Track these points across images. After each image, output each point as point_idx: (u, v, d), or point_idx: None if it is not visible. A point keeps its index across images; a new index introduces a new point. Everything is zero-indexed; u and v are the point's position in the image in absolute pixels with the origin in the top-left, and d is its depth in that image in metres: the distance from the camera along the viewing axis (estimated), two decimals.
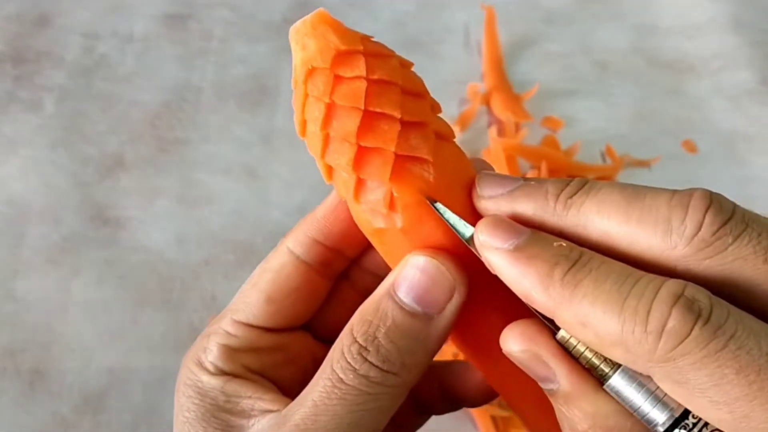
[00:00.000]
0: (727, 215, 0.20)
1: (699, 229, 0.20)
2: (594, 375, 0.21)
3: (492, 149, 0.57)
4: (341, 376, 0.23)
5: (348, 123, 0.23)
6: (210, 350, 0.27)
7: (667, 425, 0.20)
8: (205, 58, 0.67)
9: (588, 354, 0.21)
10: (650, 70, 0.67)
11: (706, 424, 0.20)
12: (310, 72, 0.24)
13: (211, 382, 0.26)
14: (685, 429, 0.20)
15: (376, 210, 0.24)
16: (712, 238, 0.20)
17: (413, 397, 0.31)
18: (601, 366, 0.21)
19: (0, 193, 0.58)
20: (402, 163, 0.23)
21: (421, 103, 0.24)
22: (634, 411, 0.21)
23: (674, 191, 0.21)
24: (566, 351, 0.22)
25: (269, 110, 0.63)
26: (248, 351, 0.27)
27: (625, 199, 0.21)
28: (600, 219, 0.21)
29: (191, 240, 0.55)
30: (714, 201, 0.20)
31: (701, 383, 0.18)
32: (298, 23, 0.24)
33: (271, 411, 0.25)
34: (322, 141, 0.24)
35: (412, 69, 0.25)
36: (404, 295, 0.23)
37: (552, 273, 0.20)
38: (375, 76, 0.23)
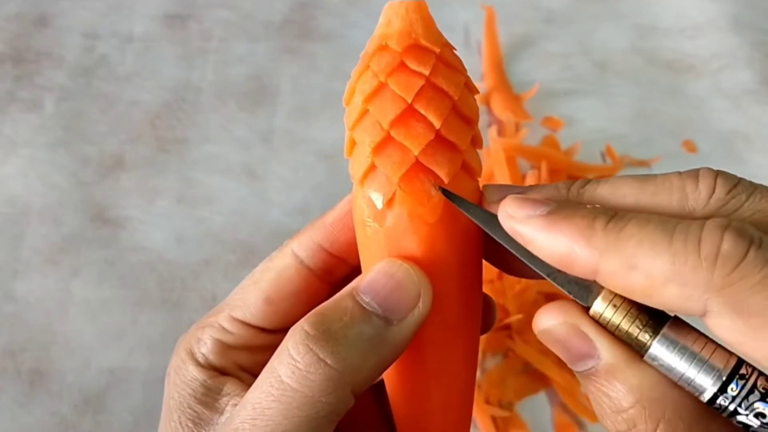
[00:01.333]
0: (735, 179, 0.21)
1: (713, 190, 0.20)
2: (632, 347, 0.21)
3: (492, 149, 0.57)
4: (280, 373, 0.22)
5: (389, 108, 0.23)
6: (204, 342, 0.27)
7: (716, 387, 0.19)
8: (205, 58, 0.67)
9: (624, 325, 0.21)
10: (650, 70, 0.67)
11: (755, 384, 0.19)
12: (381, 48, 0.24)
13: (196, 374, 0.26)
14: (734, 388, 0.19)
15: (374, 202, 0.24)
16: (727, 196, 0.20)
17: (385, 415, 0.30)
18: (639, 337, 0.20)
19: (0, 193, 0.58)
20: (417, 170, 0.23)
21: (464, 129, 0.24)
22: (679, 379, 0.20)
23: (680, 172, 0.22)
24: (601, 326, 0.21)
25: (269, 110, 0.63)
26: (242, 349, 0.27)
27: (636, 180, 0.22)
28: (614, 198, 0.22)
29: (191, 240, 0.55)
30: (719, 172, 0.21)
31: (763, 308, 0.18)
32: (397, 1, 0.24)
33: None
34: (359, 114, 0.24)
35: (475, 97, 0.25)
36: (366, 295, 0.23)
37: (593, 224, 0.20)
38: (436, 81, 0.23)
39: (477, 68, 0.66)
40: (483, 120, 0.63)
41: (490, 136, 0.60)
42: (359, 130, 0.24)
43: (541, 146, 0.61)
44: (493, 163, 0.56)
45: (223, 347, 0.27)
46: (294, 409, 0.22)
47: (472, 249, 0.24)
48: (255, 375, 0.27)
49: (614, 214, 0.20)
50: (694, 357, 0.19)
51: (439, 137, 0.23)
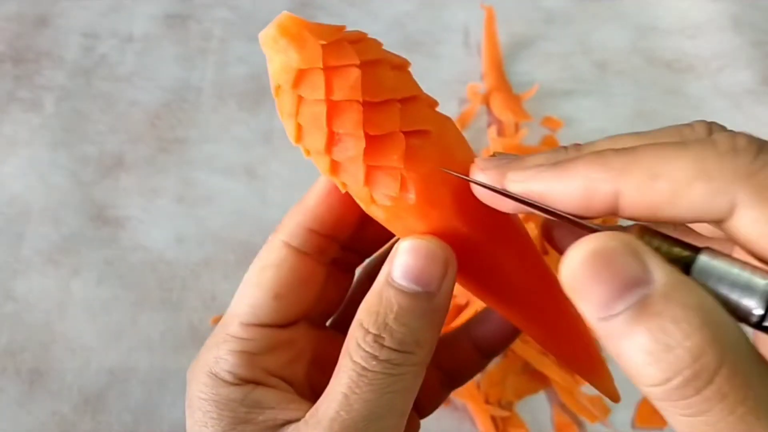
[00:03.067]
0: (724, 128, 0.21)
1: (710, 131, 0.21)
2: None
3: (492, 149, 0.57)
4: (364, 365, 0.24)
5: (317, 140, 0.24)
6: (225, 360, 0.26)
7: (763, 302, 0.18)
8: (205, 58, 0.67)
9: (665, 246, 0.20)
10: (650, 70, 0.67)
11: None
12: (278, 90, 0.24)
13: (230, 394, 0.26)
14: None
15: (387, 194, 0.24)
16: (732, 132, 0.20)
17: (440, 371, 0.32)
18: (680, 259, 0.20)
19: (0, 193, 0.58)
20: (373, 172, 0.24)
21: (388, 111, 0.24)
22: (727, 300, 0.19)
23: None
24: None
25: (269, 110, 0.63)
26: (265, 352, 0.27)
27: (634, 134, 0.22)
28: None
29: (191, 240, 0.55)
30: (710, 122, 0.21)
31: None
32: (265, 31, 0.24)
33: (293, 420, 0.25)
34: (305, 152, 0.25)
35: (380, 59, 0.24)
36: (402, 280, 0.24)
37: (604, 153, 0.20)
38: (335, 96, 0.23)
39: (477, 68, 0.66)
40: (482, 120, 0.63)
41: (489, 136, 0.60)
42: (314, 155, 0.25)
43: (541, 146, 0.61)
44: None
45: (247, 357, 0.26)
46: (386, 387, 0.24)
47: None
48: (285, 378, 0.27)
49: (621, 148, 0.20)
50: (735, 277, 0.19)
51: (370, 138, 0.23)
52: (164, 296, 0.53)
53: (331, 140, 0.23)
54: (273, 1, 0.72)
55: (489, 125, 0.62)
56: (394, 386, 0.24)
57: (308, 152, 0.25)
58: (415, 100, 0.25)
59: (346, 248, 0.29)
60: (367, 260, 0.32)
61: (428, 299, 0.24)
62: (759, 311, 0.18)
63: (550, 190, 0.21)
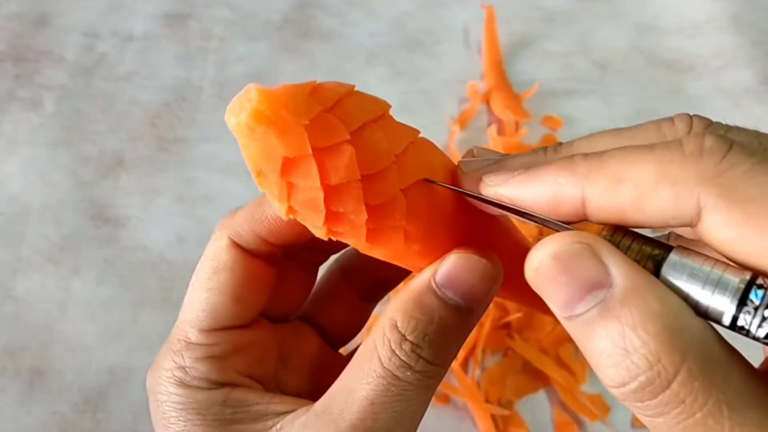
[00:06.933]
0: (709, 119, 0.20)
1: (690, 127, 0.20)
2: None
3: (492, 148, 0.57)
4: (397, 374, 0.23)
5: (314, 219, 0.22)
6: (193, 368, 0.25)
7: (735, 301, 0.18)
8: (205, 57, 0.67)
9: (636, 245, 0.19)
10: (650, 70, 0.67)
11: None
12: (259, 173, 0.22)
13: (210, 398, 0.25)
14: (754, 300, 0.17)
15: (393, 248, 0.23)
16: (706, 131, 0.20)
17: (323, 329, 0.31)
18: (651, 257, 0.19)
19: (0, 192, 0.58)
20: (379, 234, 0.22)
21: (386, 177, 0.22)
22: (695, 306, 0.18)
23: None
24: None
25: None
26: (232, 354, 0.26)
27: (613, 131, 0.21)
28: (592, 149, 0.21)
29: (191, 239, 0.55)
30: (694, 114, 0.21)
31: (756, 193, 0.17)
32: (235, 116, 0.20)
33: (288, 411, 0.25)
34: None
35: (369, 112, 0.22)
36: (448, 290, 0.23)
37: (573, 159, 0.20)
38: (332, 182, 0.21)
39: (477, 67, 0.66)
40: (483, 119, 0.63)
41: (489, 135, 0.60)
42: (309, 226, 0.23)
43: (541, 145, 0.61)
44: None
45: (216, 362, 0.26)
46: (415, 399, 0.23)
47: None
48: (256, 378, 0.27)
49: (591, 152, 0.20)
50: (706, 277, 0.18)
51: (371, 207, 0.22)
52: (164, 296, 0.53)
53: (330, 218, 0.22)
54: (273, 0, 0.72)
55: (489, 124, 0.62)
56: (421, 398, 0.23)
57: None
58: (405, 152, 0.23)
59: (310, 249, 0.28)
60: (342, 252, 0.31)
61: (468, 315, 0.23)
62: (731, 311, 0.18)
63: (520, 195, 0.21)
